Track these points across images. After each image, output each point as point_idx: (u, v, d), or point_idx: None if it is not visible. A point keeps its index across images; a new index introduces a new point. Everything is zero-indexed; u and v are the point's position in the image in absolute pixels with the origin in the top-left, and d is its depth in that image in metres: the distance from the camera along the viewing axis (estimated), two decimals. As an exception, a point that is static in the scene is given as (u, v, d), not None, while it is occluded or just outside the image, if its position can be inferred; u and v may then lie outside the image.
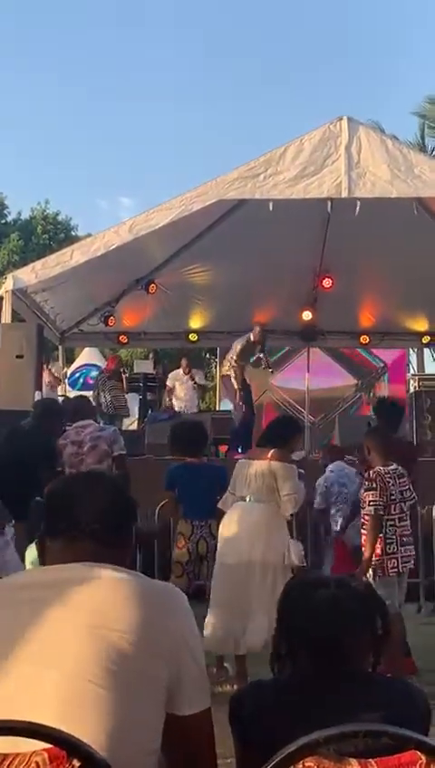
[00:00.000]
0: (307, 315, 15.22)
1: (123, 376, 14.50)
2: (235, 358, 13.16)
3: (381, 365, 19.36)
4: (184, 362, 15.54)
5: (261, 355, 13.61)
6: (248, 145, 61.74)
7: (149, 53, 67.34)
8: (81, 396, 10.94)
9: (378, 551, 6.52)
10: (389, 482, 6.56)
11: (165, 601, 2.22)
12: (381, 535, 6.53)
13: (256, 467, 6.68)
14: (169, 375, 15.67)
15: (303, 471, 7.71)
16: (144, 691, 2.06)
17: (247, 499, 6.66)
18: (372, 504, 6.50)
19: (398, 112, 51.06)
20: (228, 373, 12.78)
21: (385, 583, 6.45)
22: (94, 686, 2.00)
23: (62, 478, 2.61)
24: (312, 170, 9.66)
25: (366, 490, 6.61)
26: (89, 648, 2.05)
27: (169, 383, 15.42)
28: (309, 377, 16.47)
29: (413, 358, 22.02)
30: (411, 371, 20.31)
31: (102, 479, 2.54)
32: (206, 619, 6.42)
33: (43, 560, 2.39)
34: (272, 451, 6.67)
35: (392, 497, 6.57)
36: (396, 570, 6.52)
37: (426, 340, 16.33)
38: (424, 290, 14.24)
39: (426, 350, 18.97)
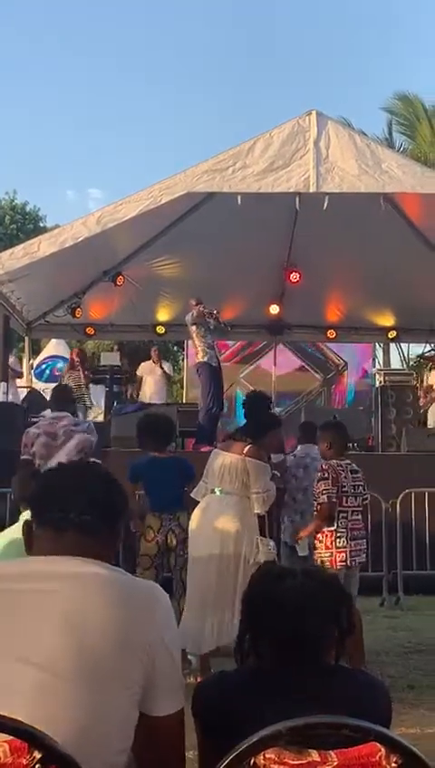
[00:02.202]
0: (274, 309, 15.25)
1: (80, 367, 14.27)
2: (198, 341, 12.56)
3: (343, 363, 19.43)
4: (154, 353, 15.49)
5: (211, 321, 12.77)
6: (218, 139, 61.58)
7: (126, 40, 66.99)
8: (64, 386, 10.84)
9: (327, 543, 6.59)
10: (341, 474, 6.67)
11: (146, 601, 2.22)
12: (332, 529, 6.60)
13: (230, 460, 6.68)
14: (140, 365, 15.64)
15: (278, 473, 7.74)
16: (117, 690, 2.06)
17: (219, 491, 6.67)
18: (325, 492, 6.60)
19: (365, 108, 51.17)
20: (203, 359, 12.33)
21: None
22: (66, 681, 2.00)
23: (55, 468, 2.57)
24: (280, 164, 9.67)
25: (319, 480, 6.71)
26: (64, 643, 2.05)
27: (139, 374, 15.37)
28: (276, 370, 16.55)
29: (380, 353, 22.18)
30: (377, 366, 20.43)
31: (96, 471, 2.52)
32: (182, 615, 6.45)
33: (30, 546, 2.37)
34: (247, 447, 6.67)
35: (345, 490, 6.66)
36: (344, 563, 6.59)
37: (392, 335, 16.42)
38: (390, 285, 14.34)
39: (392, 345, 19.12)
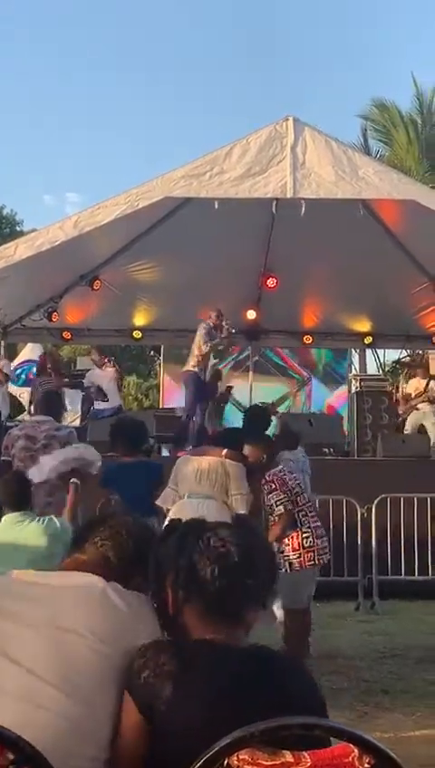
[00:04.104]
0: (251, 314, 15.27)
1: (52, 372, 14.15)
2: (196, 347, 12.66)
3: (307, 375, 19.49)
4: (94, 359, 15.12)
5: (218, 340, 12.94)
6: (194, 144, 61.66)
7: (97, 50, 66.94)
8: (54, 392, 10.77)
9: (295, 545, 6.62)
10: (285, 478, 6.73)
11: (137, 611, 2.25)
12: (297, 530, 6.64)
13: (207, 464, 6.67)
14: (86, 376, 15.37)
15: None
16: (100, 701, 2.10)
17: (196, 496, 6.66)
18: (279, 503, 6.64)
19: (338, 115, 51.33)
20: (194, 369, 12.54)
21: (300, 576, 6.55)
22: (50, 687, 2.05)
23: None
24: (257, 170, 9.69)
25: (269, 492, 6.74)
26: (53, 650, 2.10)
27: (86, 383, 15.01)
28: (253, 375, 16.59)
29: (356, 359, 22.23)
30: (353, 372, 20.50)
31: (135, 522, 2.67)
32: None
33: None
34: (225, 450, 6.69)
35: (295, 490, 6.72)
36: (313, 562, 6.63)
37: (368, 340, 16.47)
38: (367, 291, 14.39)
39: (368, 351, 19.17)
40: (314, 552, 6.65)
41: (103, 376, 14.93)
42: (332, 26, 65.33)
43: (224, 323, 12.58)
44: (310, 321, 15.95)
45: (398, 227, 13.26)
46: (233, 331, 12.91)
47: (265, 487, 6.80)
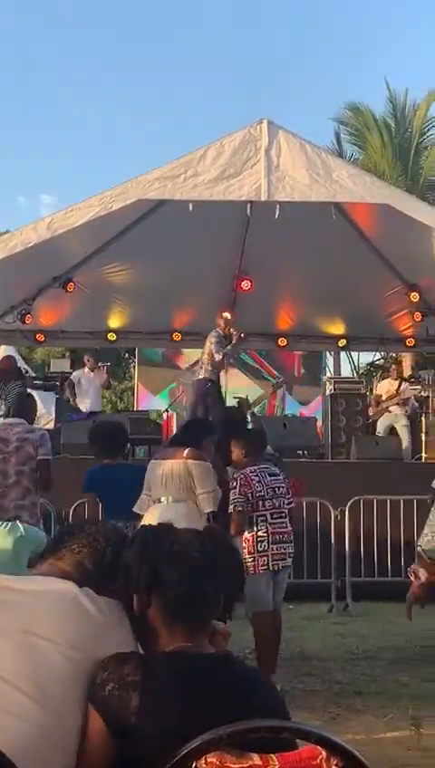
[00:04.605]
0: (226, 317, 15.26)
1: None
2: (207, 356, 12.76)
3: (281, 378, 19.49)
4: (89, 359, 15.31)
5: (229, 348, 13.13)
6: (168, 147, 61.57)
7: (73, 51, 66.81)
8: (29, 395, 10.73)
9: (250, 549, 6.63)
10: (254, 480, 6.71)
11: (109, 618, 2.25)
12: (252, 533, 6.65)
13: (171, 467, 6.69)
14: (74, 373, 15.51)
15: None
16: (70, 708, 2.09)
17: (166, 500, 6.66)
18: (232, 502, 6.67)
19: (310, 119, 51.36)
20: (210, 377, 12.65)
21: (255, 581, 6.57)
22: (22, 695, 2.04)
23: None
24: (232, 172, 9.68)
25: (230, 490, 6.77)
26: (24, 657, 2.09)
27: (73, 380, 15.19)
28: (227, 377, 16.56)
29: (330, 361, 22.33)
30: (328, 374, 20.57)
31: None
32: None
33: None
34: (187, 450, 6.70)
35: (260, 494, 6.70)
36: (266, 567, 6.63)
37: (342, 343, 16.52)
38: (341, 294, 14.43)
39: (342, 354, 19.24)
40: (267, 556, 6.66)
41: (94, 378, 14.95)
42: (305, 29, 65.55)
43: (232, 330, 12.76)
44: (284, 324, 15.96)
45: (371, 231, 13.32)
46: (242, 335, 13.13)
47: (231, 484, 6.85)
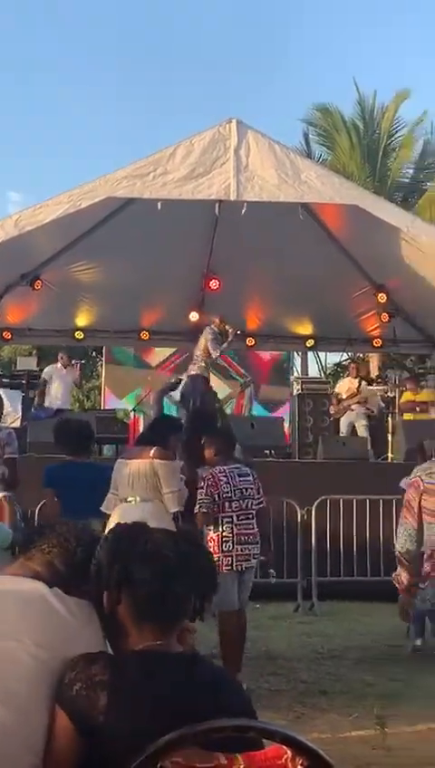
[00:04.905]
0: (194, 316, 15.27)
1: None
2: (202, 352, 12.90)
3: (249, 377, 19.53)
4: (63, 356, 15.26)
5: (225, 345, 13.30)
6: (136, 145, 61.34)
7: (45, 51, 66.48)
8: None
9: (215, 549, 6.65)
10: (222, 480, 6.73)
11: (79, 618, 2.25)
12: (217, 533, 6.67)
13: (138, 466, 6.68)
14: (45, 369, 15.43)
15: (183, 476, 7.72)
16: (36, 708, 2.09)
17: (132, 500, 6.65)
18: (198, 502, 6.69)
19: (279, 119, 51.41)
20: (204, 374, 12.88)
21: (223, 579, 6.58)
22: None
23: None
24: (201, 171, 9.69)
25: (198, 490, 6.79)
26: None
27: (45, 377, 15.11)
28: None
29: (298, 361, 22.39)
30: (295, 374, 20.63)
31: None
32: None
33: None
34: (153, 449, 6.69)
35: (227, 495, 6.71)
36: (230, 567, 6.65)
37: (310, 343, 16.57)
38: (309, 294, 14.48)
39: (310, 354, 19.31)
40: (232, 557, 6.68)
41: (66, 375, 14.88)
42: (275, 30, 65.64)
43: (228, 327, 12.92)
44: (253, 324, 15.99)
45: (340, 231, 13.37)
46: (238, 332, 13.29)
47: (199, 484, 6.86)
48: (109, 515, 6.73)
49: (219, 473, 6.81)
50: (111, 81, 66.64)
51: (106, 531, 6.49)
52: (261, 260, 13.52)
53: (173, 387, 11.57)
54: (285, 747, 1.90)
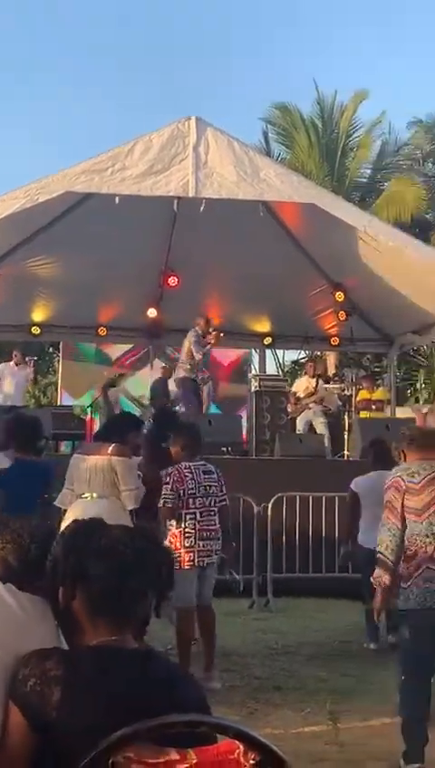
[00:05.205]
0: (152, 313, 15.26)
1: None
2: (186, 355, 13.21)
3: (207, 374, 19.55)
4: (16, 354, 15.10)
5: (208, 347, 13.47)
6: (92, 142, 60.93)
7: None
8: None
9: (177, 545, 6.66)
10: (187, 476, 6.74)
11: (32, 613, 2.24)
12: (179, 530, 6.68)
13: (95, 463, 6.65)
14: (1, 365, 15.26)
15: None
16: None
17: (89, 496, 6.62)
18: (162, 497, 6.70)
19: (239, 118, 51.45)
20: (190, 375, 13.16)
21: (182, 576, 6.60)
22: None
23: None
24: (159, 168, 9.68)
25: (164, 484, 6.80)
26: None
27: None
28: (151, 373, 16.58)
29: (255, 359, 22.42)
30: (253, 371, 20.65)
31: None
32: None
33: None
34: (112, 446, 6.67)
35: (191, 492, 6.72)
36: (192, 563, 6.66)
37: (268, 341, 16.63)
38: (267, 292, 14.53)
39: (268, 351, 19.34)
40: (193, 553, 6.69)
41: (19, 373, 14.73)
42: (236, 29, 65.69)
43: (211, 329, 13.17)
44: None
45: (298, 230, 13.44)
46: (221, 335, 13.55)
47: (164, 479, 6.85)
48: (63, 510, 6.71)
49: (184, 469, 6.81)
50: (68, 79, 66.35)
51: (62, 526, 6.48)
52: (220, 257, 13.54)
53: (112, 383, 11.51)
54: (237, 742, 1.90)
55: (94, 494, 6.62)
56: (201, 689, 2.31)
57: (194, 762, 1.89)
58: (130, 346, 18.76)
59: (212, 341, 13.21)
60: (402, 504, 4.95)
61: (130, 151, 9.67)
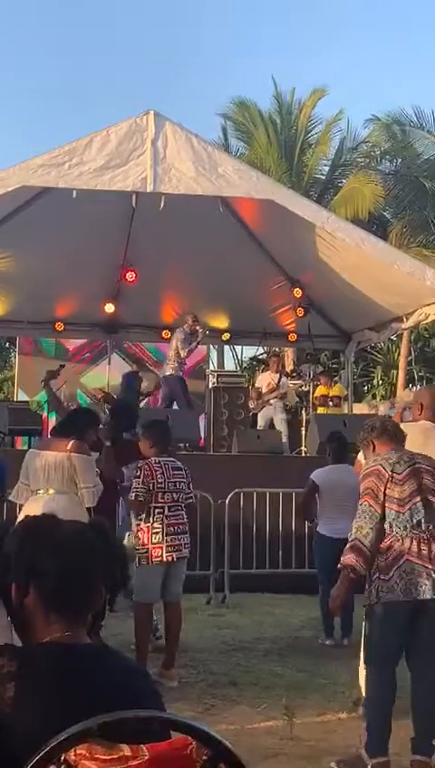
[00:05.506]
0: (109, 308, 15.19)
1: None
2: (174, 353, 13.40)
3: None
4: None
5: (195, 344, 13.66)
6: (48, 137, 60.59)
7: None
8: None
9: (144, 540, 6.65)
10: (157, 471, 6.74)
11: None
12: (147, 525, 6.67)
13: (54, 458, 6.61)
14: None
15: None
16: None
17: (46, 491, 6.59)
18: (133, 490, 6.70)
19: (198, 114, 51.45)
20: (178, 374, 13.46)
21: (149, 572, 6.60)
22: None
23: None
24: (117, 162, 9.63)
25: (133, 479, 6.81)
26: None
27: None
28: (110, 370, 16.51)
29: (214, 354, 22.46)
30: (211, 368, 20.67)
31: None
32: None
33: None
34: (71, 442, 6.64)
35: (160, 486, 6.72)
36: (160, 558, 6.66)
37: (226, 337, 16.64)
38: (225, 288, 14.52)
39: (226, 347, 19.37)
40: (161, 548, 6.67)
41: None
42: (195, 27, 65.59)
43: (198, 327, 13.46)
44: (169, 317, 15.97)
45: (256, 226, 13.44)
46: (207, 332, 13.86)
47: (135, 473, 6.85)
48: (19, 505, 6.68)
49: (155, 464, 6.79)
50: (25, 75, 65.84)
51: (17, 521, 6.44)
52: (178, 253, 13.50)
53: (52, 375, 11.42)
54: (190, 738, 1.90)
55: (51, 490, 6.59)
56: (155, 685, 2.30)
57: (146, 757, 1.88)
58: (85, 341, 18.69)
59: (199, 339, 13.52)
60: (384, 492, 4.91)
61: (87, 145, 9.61)
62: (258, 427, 14.40)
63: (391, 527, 4.87)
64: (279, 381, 14.77)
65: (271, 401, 14.62)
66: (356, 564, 4.83)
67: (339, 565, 4.98)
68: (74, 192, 9.61)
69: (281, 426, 14.29)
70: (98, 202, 10.53)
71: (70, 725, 1.86)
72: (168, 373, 13.58)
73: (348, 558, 4.88)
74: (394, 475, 4.91)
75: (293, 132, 26.49)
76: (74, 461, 6.58)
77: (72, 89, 69.94)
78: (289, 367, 19.58)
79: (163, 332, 16.15)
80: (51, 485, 6.58)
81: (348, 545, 4.93)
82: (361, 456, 5.79)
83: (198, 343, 13.71)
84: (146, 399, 14.62)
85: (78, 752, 1.85)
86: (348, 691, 6.21)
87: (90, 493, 6.59)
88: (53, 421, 13.29)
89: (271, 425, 14.46)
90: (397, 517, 4.86)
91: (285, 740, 5.38)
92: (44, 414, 15.39)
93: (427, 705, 4.93)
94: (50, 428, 10.20)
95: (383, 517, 4.88)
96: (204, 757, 1.89)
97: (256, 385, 15.29)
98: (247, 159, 23.09)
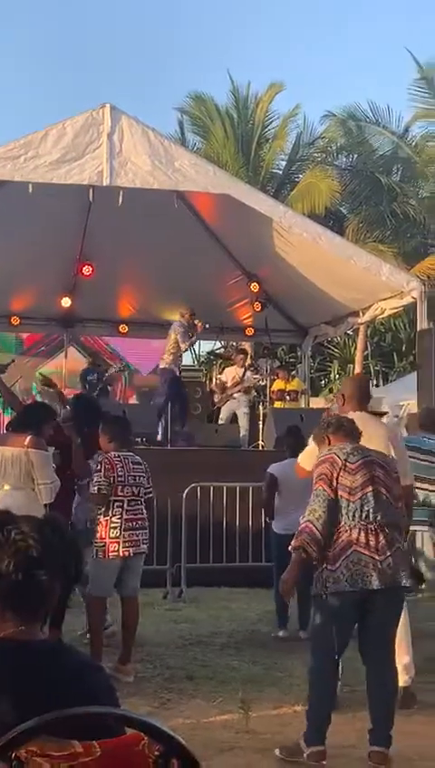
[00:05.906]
0: (66, 302, 15.11)
1: None
2: (172, 347, 13.23)
3: (123, 364, 19.46)
4: None
5: (194, 338, 13.60)
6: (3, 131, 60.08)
7: None
8: None
9: (102, 534, 6.64)
10: (117, 465, 6.73)
11: None
12: (106, 518, 6.66)
13: (11, 454, 6.57)
14: None
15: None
16: None
17: (1, 487, 6.55)
18: (95, 484, 6.69)
19: (154, 108, 51.29)
20: (171, 366, 13.28)
21: (105, 566, 6.59)
22: None
23: None
24: (73, 156, 9.60)
25: (94, 473, 6.78)
26: None
27: None
28: (66, 363, 16.45)
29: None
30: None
31: None
32: None
33: None
34: (29, 438, 6.60)
35: (121, 479, 6.71)
36: (116, 553, 6.64)
37: (182, 331, 16.59)
38: (183, 282, 14.50)
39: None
40: (119, 543, 6.66)
41: None
42: (154, 23, 65.37)
43: (196, 321, 13.24)
44: (126, 311, 15.94)
45: (213, 220, 13.45)
46: (207, 326, 13.57)
47: (95, 467, 6.82)
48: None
49: (115, 458, 6.76)
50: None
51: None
52: (135, 247, 13.47)
53: (2, 369, 11.32)
54: (142, 733, 1.90)
55: (7, 486, 6.55)
56: (110, 680, 2.30)
57: (98, 754, 1.89)
58: (42, 335, 18.61)
59: (198, 331, 13.40)
60: (337, 479, 4.92)
61: (43, 138, 9.56)
62: (220, 421, 14.43)
63: (340, 516, 4.89)
64: (243, 376, 14.80)
65: (235, 395, 14.65)
66: (307, 545, 4.84)
67: (290, 547, 5.00)
68: (30, 186, 9.54)
69: (243, 419, 14.34)
70: (54, 195, 10.46)
71: (23, 722, 1.86)
72: (162, 366, 13.49)
73: (299, 541, 4.90)
74: (347, 464, 4.94)
75: (250, 127, 26.49)
76: (32, 456, 6.55)
77: (25, 81, 69.33)
78: (247, 361, 19.62)
79: (120, 327, 16.12)
80: (6, 481, 6.54)
81: (300, 527, 4.95)
82: (311, 444, 5.77)
83: (197, 337, 13.63)
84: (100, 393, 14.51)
85: (29, 748, 1.85)
86: (304, 684, 6.22)
87: (47, 489, 6.56)
88: (6, 417, 13.23)
89: (234, 418, 14.48)
90: (347, 506, 4.88)
91: (241, 733, 5.40)
92: None
93: (382, 696, 4.99)
94: (4, 423, 10.13)
95: (337, 501, 4.90)
96: (156, 753, 1.90)
97: (223, 378, 15.32)
98: (204, 154, 23.06)
